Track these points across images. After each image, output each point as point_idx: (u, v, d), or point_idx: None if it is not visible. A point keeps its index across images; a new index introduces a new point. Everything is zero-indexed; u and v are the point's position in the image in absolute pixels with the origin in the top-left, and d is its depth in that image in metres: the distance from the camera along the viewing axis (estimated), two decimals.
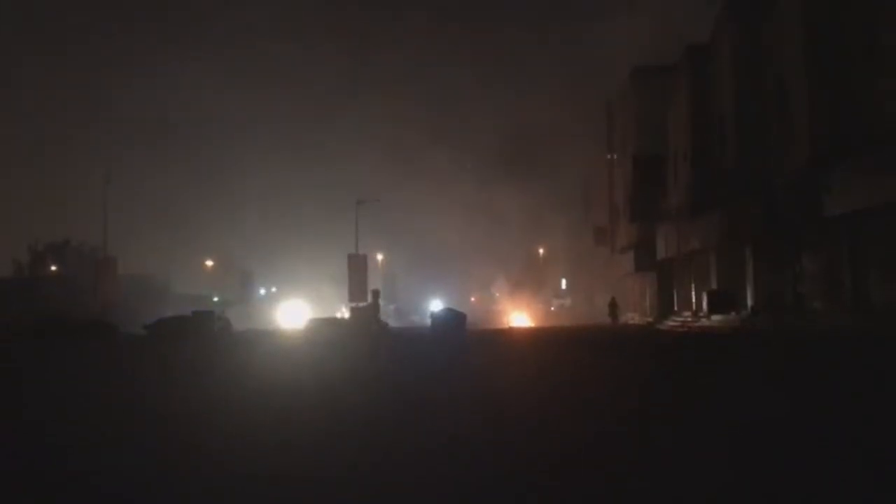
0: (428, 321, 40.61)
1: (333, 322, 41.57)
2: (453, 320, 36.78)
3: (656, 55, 40.24)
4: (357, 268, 52.08)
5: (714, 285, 31.42)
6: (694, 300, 34.53)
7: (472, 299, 68.45)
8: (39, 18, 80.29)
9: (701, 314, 31.91)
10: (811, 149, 23.32)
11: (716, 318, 28.87)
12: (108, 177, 52.32)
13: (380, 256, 67.17)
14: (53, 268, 64.45)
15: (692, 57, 32.81)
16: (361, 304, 48.70)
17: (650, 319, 38.40)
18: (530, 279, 62.15)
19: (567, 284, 62.92)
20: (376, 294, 45.49)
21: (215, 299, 63.47)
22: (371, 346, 22.59)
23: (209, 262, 70.81)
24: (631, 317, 43.46)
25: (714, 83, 31.21)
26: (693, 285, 34.74)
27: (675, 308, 37.00)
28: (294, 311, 62.92)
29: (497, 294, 67.30)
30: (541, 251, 64.69)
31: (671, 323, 33.55)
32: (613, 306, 42.13)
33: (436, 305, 55.48)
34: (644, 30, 54.16)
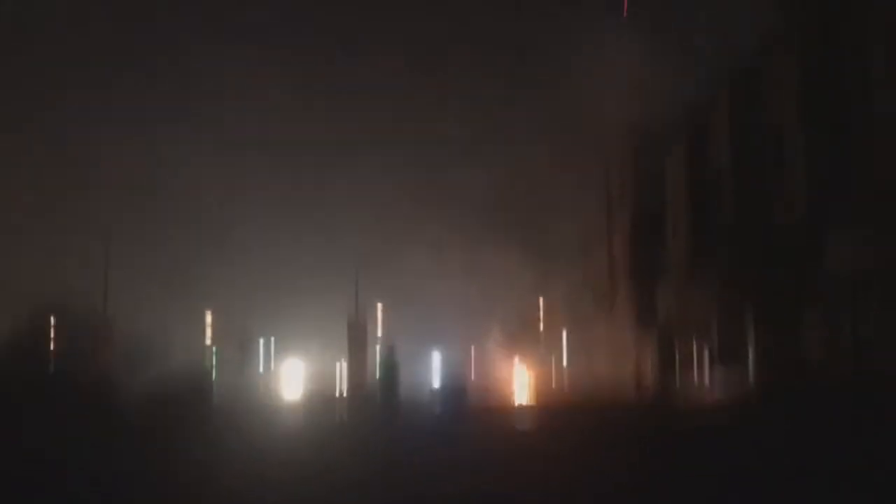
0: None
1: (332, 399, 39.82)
2: (454, 397, 34.74)
3: (653, 110, 40.46)
4: (356, 335, 51.51)
5: (716, 341, 30.99)
6: (696, 360, 34.04)
7: (472, 362, 67.74)
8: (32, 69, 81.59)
9: (704, 371, 31.44)
10: (810, 202, 23.24)
11: (719, 374, 28.43)
12: (108, 234, 52.13)
13: (379, 310, 66.55)
14: (51, 325, 63.84)
15: (689, 112, 33.04)
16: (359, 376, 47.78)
17: (653, 379, 37.85)
18: (530, 339, 61.49)
19: (567, 342, 62.21)
20: (391, 352, 39.21)
21: (213, 357, 62.83)
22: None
23: (209, 315, 70.13)
24: (633, 376, 42.80)
25: (711, 137, 31.32)
26: (695, 341, 34.28)
27: (677, 367, 36.47)
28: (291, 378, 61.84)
29: (496, 355, 66.57)
30: (540, 310, 64.11)
31: (675, 382, 32.99)
32: (639, 371, 40.64)
33: (436, 358, 54.65)
34: (640, 86, 54.78)
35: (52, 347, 57.71)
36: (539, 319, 63.86)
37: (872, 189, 20.47)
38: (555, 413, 33.58)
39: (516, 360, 59.59)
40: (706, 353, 31.58)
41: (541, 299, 63.33)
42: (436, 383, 44.04)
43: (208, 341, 64.76)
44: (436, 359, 62.31)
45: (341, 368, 53.56)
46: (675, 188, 35.07)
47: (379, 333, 63.93)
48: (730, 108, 28.92)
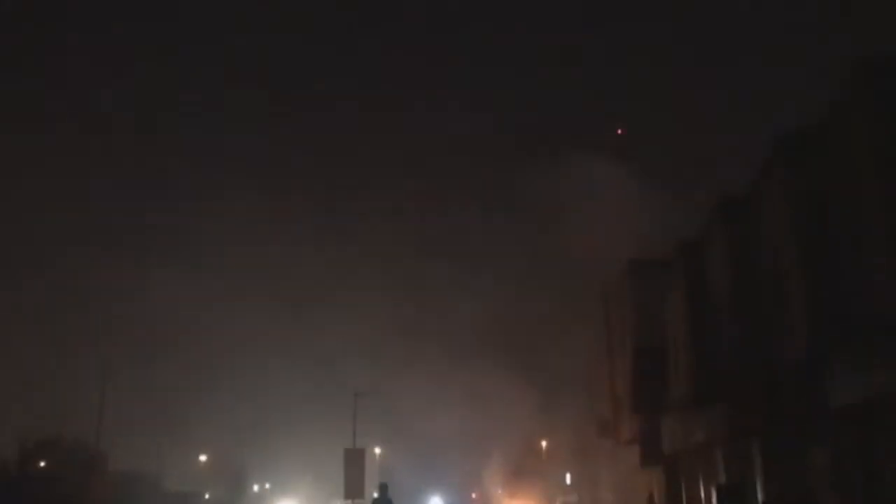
0: None
1: None
2: None
3: (650, 247, 41.44)
4: (354, 463, 50.55)
5: (722, 479, 30.45)
6: (703, 495, 33.33)
7: (474, 496, 65.98)
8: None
9: None
10: (810, 338, 23.44)
11: None
12: (104, 373, 52.25)
13: (377, 450, 65.56)
14: (42, 464, 62.59)
15: (685, 252, 33.73)
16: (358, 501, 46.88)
17: None
18: (534, 474, 60.23)
19: (572, 479, 60.86)
20: (384, 489, 41.02)
21: (206, 496, 61.23)
22: None
23: (202, 458, 68.97)
24: None
25: (708, 275, 31.88)
26: (701, 479, 33.66)
27: (684, 503, 35.67)
28: None
29: (500, 490, 64.91)
30: (543, 444, 63.12)
31: None
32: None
33: (436, 493, 53.38)
34: (637, 222, 56.15)
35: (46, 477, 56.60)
36: (542, 452, 62.84)
37: (872, 322, 20.74)
38: None
39: (519, 492, 58.22)
40: (713, 490, 30.97)
41: (543, 438, 62.59)
42: None
43: (201, 480, 63.34)
44: (436, 493, 60.80)
45: None
46: (675, 322, 35.39)
47: (377, 469, 62.70)
48: (728, 243, 29.59)
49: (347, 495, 49.11)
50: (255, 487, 74.60)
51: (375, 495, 56.37)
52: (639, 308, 40.75)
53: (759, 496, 27.03)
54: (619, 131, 64.41)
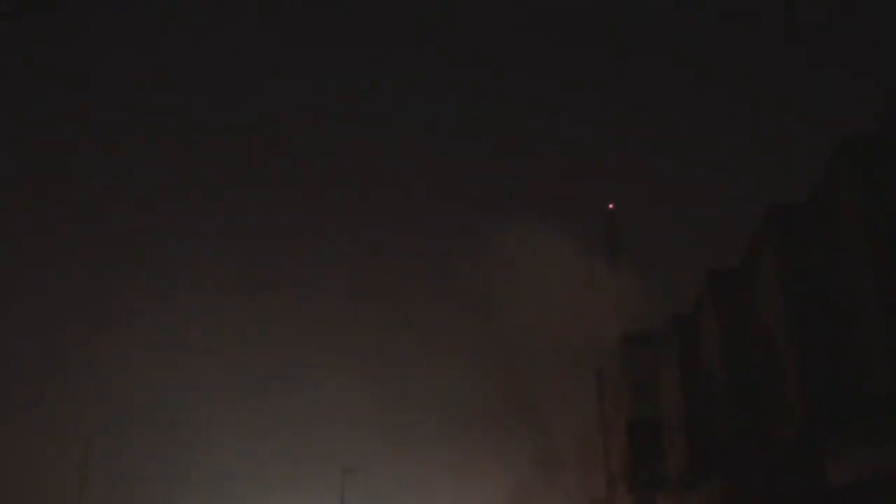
0: None
1: None
2: None
3: (643, 321, 41.33)
4: None
5: None
6: None
7: None
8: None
9: None
10: (805, 415, 23.20)
11: None
12: (85, 457, 51.33)
13: None
14: None
15: (679, 327, 33.68)
16: None
17: None
18: None
19: None
20: None
21: None
22: None
23: None
24: None
25: (701, 350, 31.75)
26: None
27: None
28: None
29: None
30: None
31: None
32: None
33: None
34: (629, 296, 56.15)
35: None
36: None
37: (868, 399, 20.58)
38: None
39: None
40: None
41: None
42: None
43: None
44: None
45: None
46: (669, 396, 35.06)
47: None
48: (720, 316, 29.56)
49: None
50: None
51: None
52: (633, 382, 40.44)
53: None
54: (610, 206, 65.01)
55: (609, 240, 62.82)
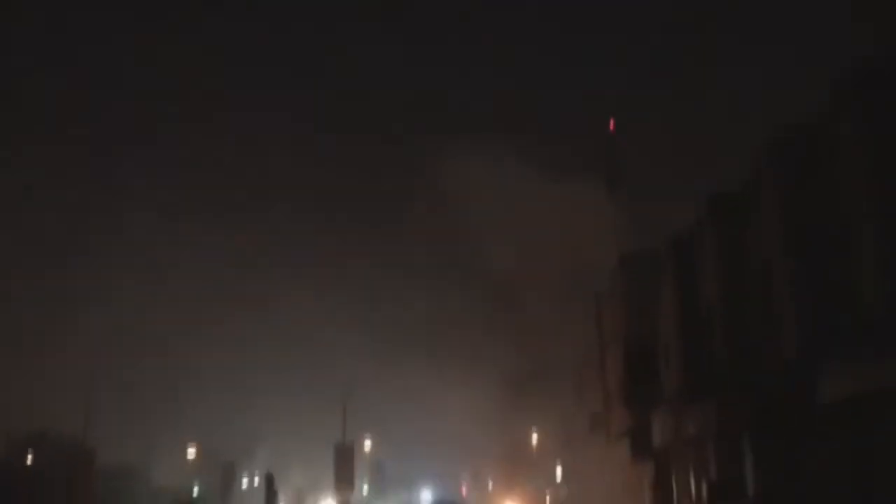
0: None
1: None
2: None
3: (643, 241, 41.53)
4: (343, 458, 50.75)
5: (713, 475, 30.62)
6: (693, 490, 33.50)
7: (464, 489, 66.29)
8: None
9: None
10: (799, 337, 23.67)
11: None
12: (93, 370, 52.24)
13: (367, 444, 65.68)
14: (30, 459, 62.34)
15: (677, 247, 33.86)
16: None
17: None
18: (524, 467, 60.48)
19: (562, 473, 61.12)
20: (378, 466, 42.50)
21: (195, 492, 61.20)
22: None
23: (191, 452, 68.89)
24: None
25: (699, 273, 32.04)
26: (692, 474, 33.82)
27: (675, 499, 35.84)
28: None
29: (490, 483, 65.24)
30: (534, 437, 63.37)
31: None
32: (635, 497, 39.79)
33: (426, 497, 53.67)
34: (629, 217, 56.24)
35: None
36: (533, 446, 63.09)
37: (861, 319, 20.96)
38: None
39: (509, 485, 58.53)
40: (703, 484, 31.16)
41: (534, 432, 62.81)
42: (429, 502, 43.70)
43: (190, 475, 63.28)
44: (427, 486, 61.08)
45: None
46: (666, 317, 35.54)
47: (367, 462, 62.87)
48: (719, 239, 29.76)
49: (338, 489, 49.32)
50: (245, 482, 74.54)
51: (365, 487, 56.24)
52: (630, 303, 40.90)
53: (750, 491, 27.22)
54: (611, 125, 64.50)
55: (609, 161, 62.62)
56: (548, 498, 59.20)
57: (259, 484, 67.20)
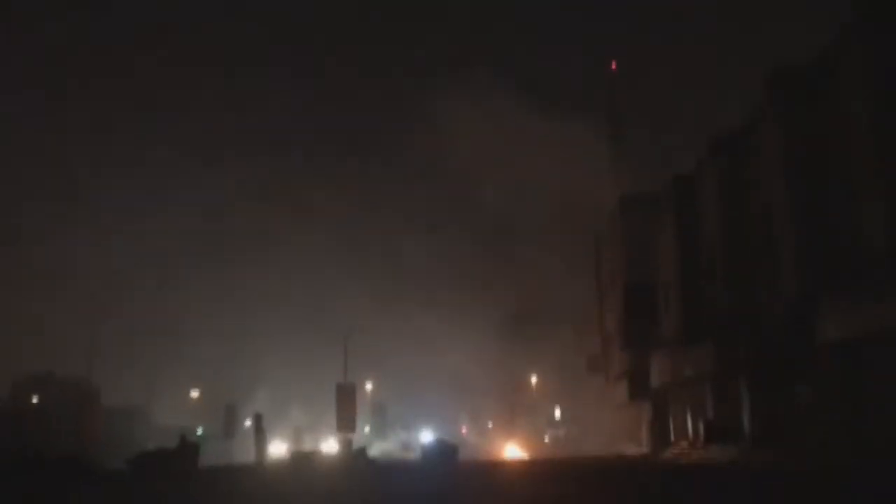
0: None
1: (317, 456, 40.55)
2: (445, 452, 35.88)
3: (643, 184, 41.18)
4: (346, 398, 51.08)
5: (710, 415, 30.86)
6: (690, 430, 33.82)
7: (464, 430, 67.08)
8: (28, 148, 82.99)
9: (698, 444, 31.18)
10: (798, 278, 23.53)
11: (713, 449, 28.21)
12: (94, 310, 52.37)
13: (368, 386, 66.26)
14: (35, 399, 62.98)
15: (677, 189, 33.52)
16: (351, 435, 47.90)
17: (646, 450, 37.48)
18: (523, 408, 61.09)
19: (561, 414, 61.80)
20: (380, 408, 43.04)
21: (199, 432, 61.89)
22: (357, 481, 21.76)
23: (194, 393, 69.57)
24: (626, 447, 42.43)
25: (700, 214, 31.76)
26: (689, 415, 34.12)
27: (672, 438, 36.19)
28: (280, 443, 61.59)
29: (490, 424, 66.02)
30: (533, 380, 63.89)
31: (668, 454, 32.70)
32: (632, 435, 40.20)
33: (426, 436, 54.25)
34: (630, 160, 55.69)
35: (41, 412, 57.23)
36: (532, 387, 63.66)
37: (861, 261, 20.80)
38: (542, 463, 33.16)
39: (509, 426, 59.21)
40: (700, 423, 31.43)
41: (533, 373, 63.33)
42: (427, 441, 44.29)
43: (193, 415, 64.03)
44: (427, 427, 61.80)
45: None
46: (666, 259, 35.41)
47: (368, 403, 63.44)
48: (720, 180, 29.44)
49: (340, 429, 49.76)
50: (248, 422, 75.39)
51: (367, 429, 56.98)
52: (630, 245, 40.68)
53: (746, 430, 27.41)
54: (613, 66, 63.48)
55: (610, 102, 61.84)
56: (546, 438, 59.89)
57: (251, 424, 68.19)
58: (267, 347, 65.04)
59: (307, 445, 54.91)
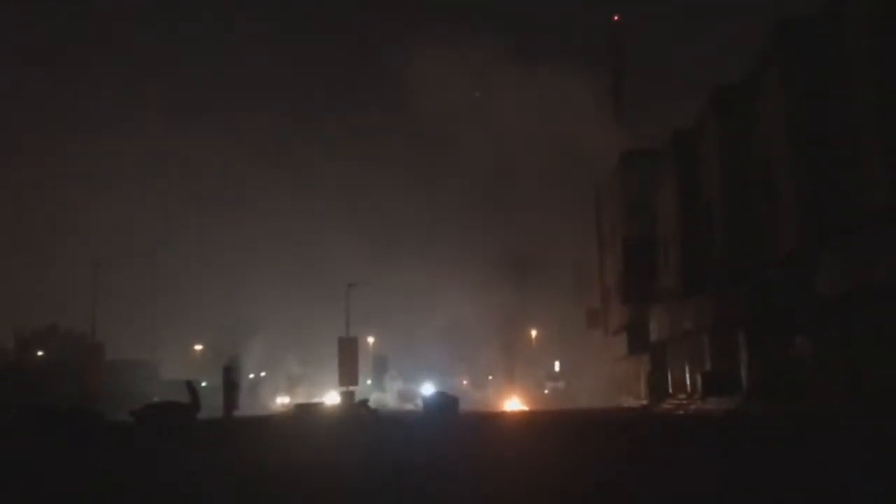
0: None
1: (320, 408, 41.17)
2: (446, 404, 36.38)
3: (644, 139, 41.00)
4: (347, 351, 51.58)
5: (708, 367, 31.16)
6: (688, 382, 34.19)
7: (465, 382, 67.71)
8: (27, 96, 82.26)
9: (696, 397, 31.55)
10: (799, 231, 23.56)
11: (711, 401, 28.56)
12: (96, 262, 52.45)
13: (370, 339, 66.75)
14: (39, 353, 63.52)
15: (678, 142, 33.39)
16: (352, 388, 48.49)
17: (644, 402, 37.94)
18: (523, 361, 61.61)
19: (561, 367, 62.36)
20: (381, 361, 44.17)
21: (203, 384, 62.51)
22: (359, 432, 22.09)
23: (198, 347, 70.12)
24: (625, 400, 42.95)
25: (700, 168, 31.69)
26: (687, 367, 34.45)
27: (670, 390, 36.61)
28: (283, 396, 62.36)
29: (490, 377, 66.62)
30: (533, 333, 64.33)
31: (666, 406, 33.12)
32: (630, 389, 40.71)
33: (427, 389, 54.83)
34: (631, 114, 55.28)
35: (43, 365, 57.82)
36: (532, 341, 64.15)
37: (861, 215, 20.80)
38: (540, 414, 33.76)
39: (509, 378, 59.80)
40: (698, 376, 31.74)
41: (534, 327, 63.77)
42: (429, 393, 44.96)
43: (197, 369, 64.67)
44: (428, 379, 62.43)
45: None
46: (666, 213, 35.42)
47: (370, 357, 63.99)
48: (721, 134, 29.30)
49: (342, 383, 50.33)
50: (251, 375, 76.15)
51: (369, 382, 57.51)
52: (630, 199, 40.70)
53: (744, 383, 27.70)
54: (615, 18, 62.66)
55: (612, 55, 61.14)
56: (546, 390, 60.51)
57: (254, 377, 68.94)
58: (266, 303, 65.30)
59: (305, 397, 55.53)
